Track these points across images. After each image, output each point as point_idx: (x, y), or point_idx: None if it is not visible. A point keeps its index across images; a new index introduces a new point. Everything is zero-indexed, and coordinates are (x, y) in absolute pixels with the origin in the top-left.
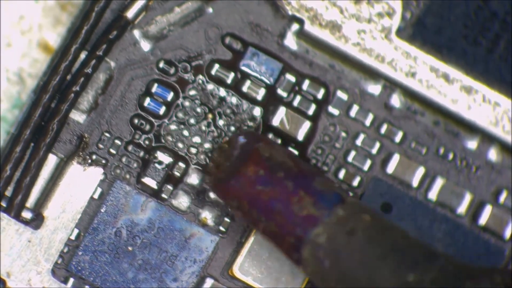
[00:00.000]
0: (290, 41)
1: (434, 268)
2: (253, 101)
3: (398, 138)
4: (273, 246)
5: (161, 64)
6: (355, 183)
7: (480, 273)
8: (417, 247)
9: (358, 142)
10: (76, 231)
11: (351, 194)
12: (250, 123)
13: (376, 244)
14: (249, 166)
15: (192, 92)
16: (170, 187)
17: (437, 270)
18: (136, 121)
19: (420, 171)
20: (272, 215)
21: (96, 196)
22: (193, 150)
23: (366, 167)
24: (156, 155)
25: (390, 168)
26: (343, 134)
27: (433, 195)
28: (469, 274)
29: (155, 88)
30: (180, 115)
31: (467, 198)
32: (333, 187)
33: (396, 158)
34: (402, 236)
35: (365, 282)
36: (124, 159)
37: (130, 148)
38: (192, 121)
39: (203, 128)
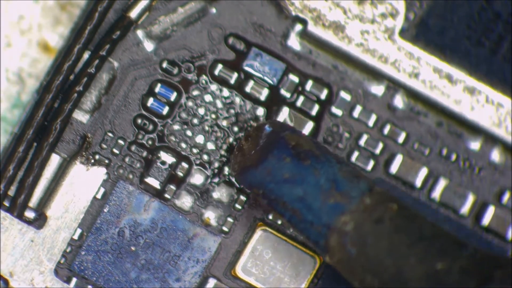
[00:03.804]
0: (294, 42)
1: (462, 257)
2: (256, 102)
3: (401, 138)
4: (299, 235)
5: (164, 64)
6: None
7: (509, 263)
8: (444, 236)
9: (361, 142)
10: (79, 231)
11: None
12: (254, 124)
13: (403, 233)
14: (276, 154)
15: (196, 92)
16: (173, 187)
17: (465, 259)
18: (139, 121)
19: (423, 171)
20: (299, 203)
21: (99, 196)
22: (196, 150)
23: (369, 167)
24: (159, 155)
25: (393, 168)
26: (346, 134)
27: (436, 195)
28: (497, 263)
29: (158, 88)
30: (183, 115)
31: (470, 198)
32: (360, 176)
33: (399, 158)
34: (429, 225)
35: (392, 270)
36: (127, 159)
37: (133, 148)
38: (195, 121)
39: (206, 128)
